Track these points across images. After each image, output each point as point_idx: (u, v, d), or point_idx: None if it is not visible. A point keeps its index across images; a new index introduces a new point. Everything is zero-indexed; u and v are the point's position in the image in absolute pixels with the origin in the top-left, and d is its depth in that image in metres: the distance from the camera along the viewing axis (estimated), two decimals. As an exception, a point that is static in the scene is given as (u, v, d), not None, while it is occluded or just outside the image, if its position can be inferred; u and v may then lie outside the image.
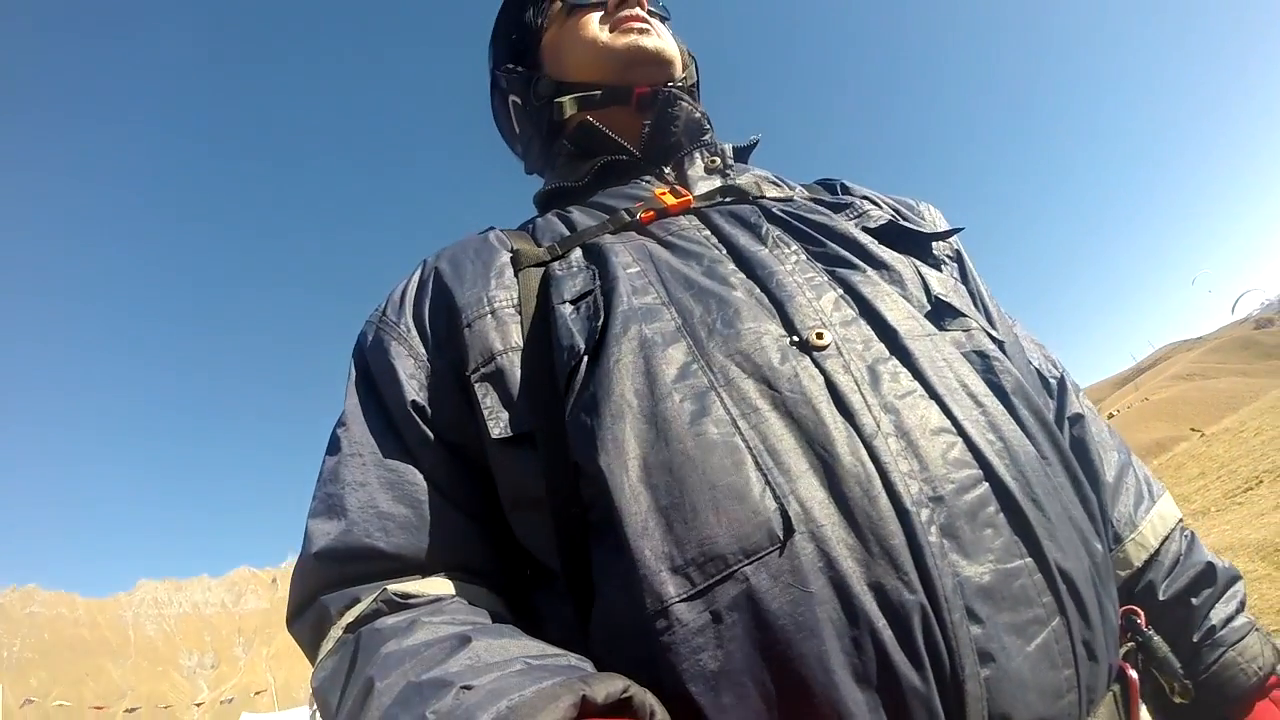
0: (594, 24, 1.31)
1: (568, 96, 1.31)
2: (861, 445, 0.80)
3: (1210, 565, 1.14)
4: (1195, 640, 1.08)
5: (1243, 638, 1.08)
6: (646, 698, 0.68)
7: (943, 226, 1.31)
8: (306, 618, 0.94)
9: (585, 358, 0.90)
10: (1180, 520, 1.20)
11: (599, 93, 1.30)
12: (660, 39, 1.31)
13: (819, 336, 0.89)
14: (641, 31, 1.29)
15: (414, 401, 1.01)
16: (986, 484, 0.81)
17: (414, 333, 1.08)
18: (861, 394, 0.84)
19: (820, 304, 0.95)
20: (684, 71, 1.36)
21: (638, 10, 1.31)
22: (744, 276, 0.99)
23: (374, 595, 0.89)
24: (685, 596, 0.73)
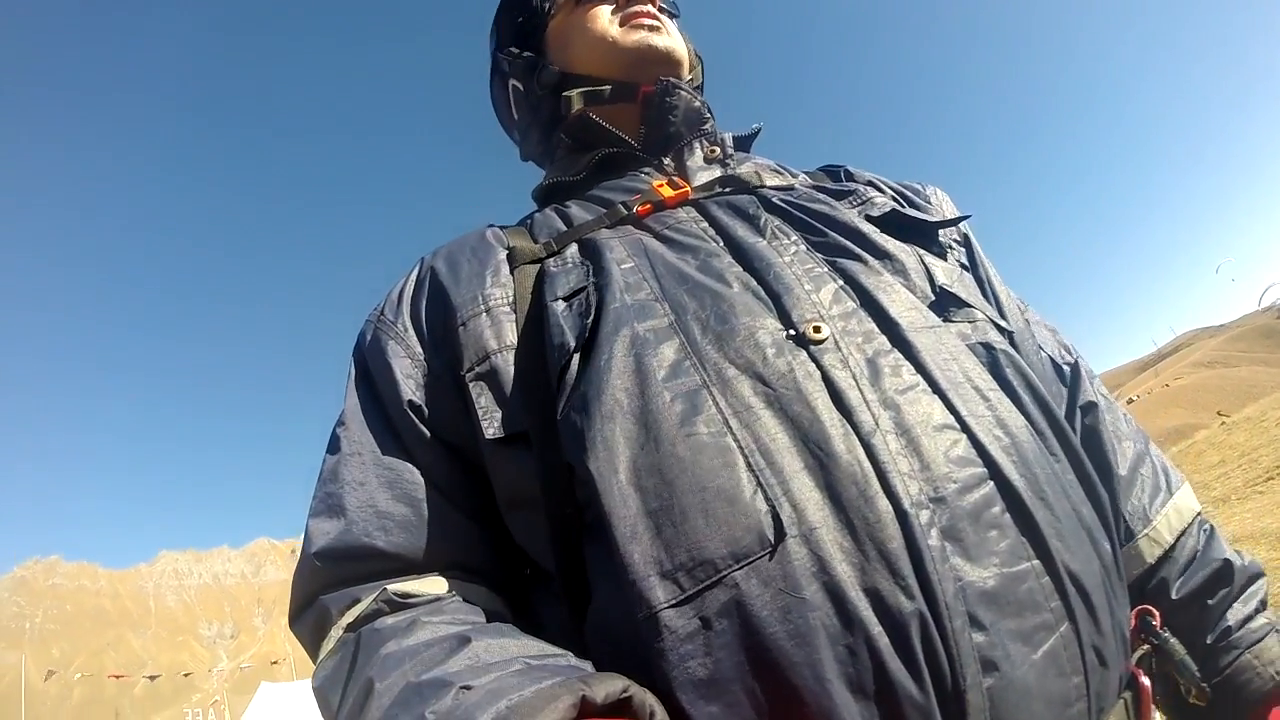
0: (604, 16, 1.29)
1: (575, 90, 1.28)
2: (859, 443, 0.77)
3: (1227, 563, 1.07)
4: (1209, 642, 1.02)
5: (1260, 639, 1.02)
6: (646, 698, 0.67)
7: (949, 211, 1.27)
8: (307, 618, 0.95)
9: (575, 355, 0.89)
10: (1199, 514, 1.14)
11: (608, 88, 1.28)
12: (671, 38, 1.29)
13: (816, 330, 0.87)
14: (652, 29, 1.27)
15: (411, 401, 1.01)
16: (991, 483, 0.79)
17: (411, 332, 1.07)
18: (860, 389, 0.82)
19: (819, 296, 0.93)
20: (690, 72, 1.35)
21: (650, 7, 1.29)
22: (740, 270, 0.97)
23: (374, 595, 0.89)
24: (673, 603, 0.72)
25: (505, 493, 0.96)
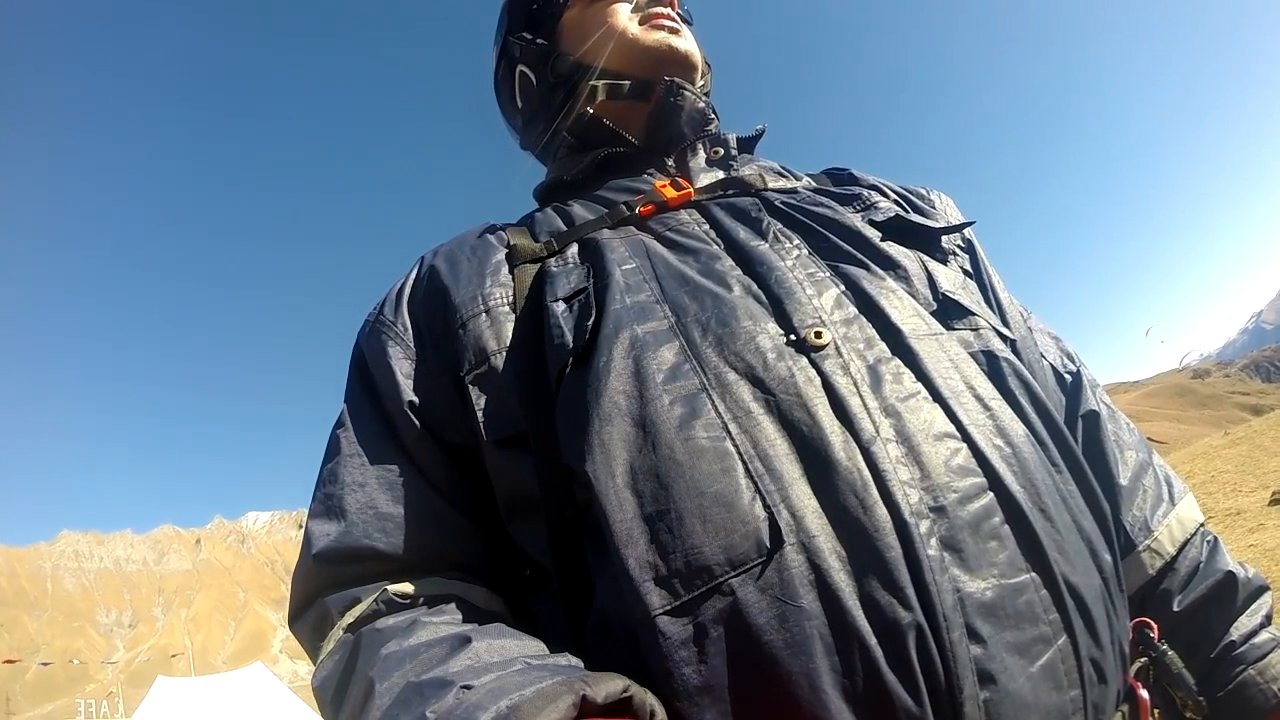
0: (624, 13, 1.29)
1: (602, 81, 1.28)
2: (859, 451, 0.77)
3: (1230, 575, 1.06)
4: (1212, 656, 1.02)
5: (1264, 655, 1.01)
6: (647, 697, 0.68)
7: (954, 216, 1.26)
8: (307, 618, 0.95)
9: (574, 358, 0.89)
10: (1201, 525, 1.12)
11: (627, 84, 1.28)
12: (689, 43, 1.30)
13: (817, 335, 0.86)
14: (673, 32, 1.28)
15: (411, 402, 1.01)
16: (991, 493, 0.78)
17: (410, 332, 1.07)
18: (860, 396, 0.82)
19: (821, 301, 0.92)
20: (702, 79, 1.36)
21: (671, 10, 1.30)
22: (742, 273, 0.97)
23: (374, 596, 0.89)
24: (668, 609, 0.71)
25: (505, 494, 0.96)
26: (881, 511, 0.73)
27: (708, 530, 0.74)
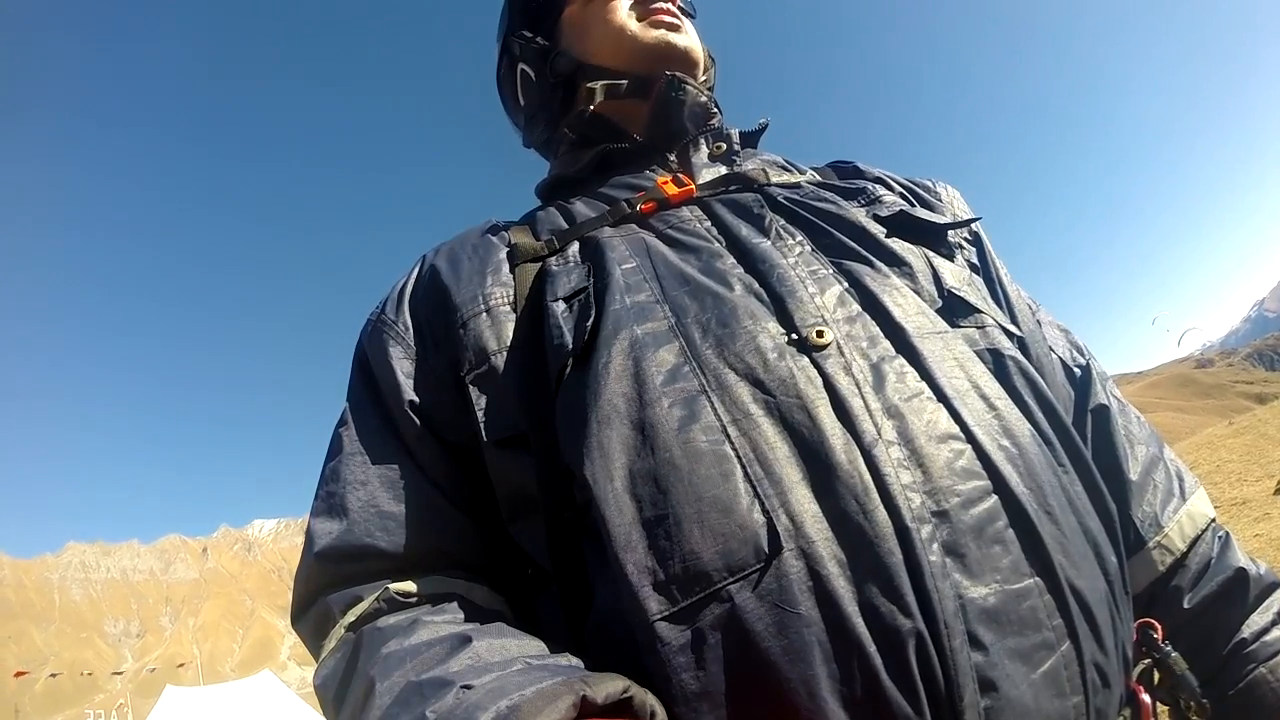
0: (623, 9, 1.27)
1: (599, 83, 1.27)
2: (860, 454, 0.76)
3: (1242, 571, 1.04)
4: (1223, 654, 1.00)
5: (1276, 653, 0.99)
6: (647, 698, 0.68)
7: (961, 209, 1.25)
8: (309, 616, 0.96)
9: (573, 358, 0.88)
10: (1213, 520, 1.10)
11: (625, 82, 1.26)
12: (689, 38, 1.29)
13: (819, 335, 0.85)
14: (672, 28, 1.27)
15: (412, 401, 1.01)
16: (995, 496, 0.77)
17: (412, 331, 1.07)
18: (863, 397, 0.80)
19: (823, 299, 0.91)
20: (705, 74, 1.34)
21: (671, 5, 1.29)
22: (743, 271, 0.96)
23: (375, 594, 0.90)
24: (666, 615, 0.71)
25: (506, 494, 0.96)
26: (882, 516, 0.72)
27: (706, 536, 0.73)
